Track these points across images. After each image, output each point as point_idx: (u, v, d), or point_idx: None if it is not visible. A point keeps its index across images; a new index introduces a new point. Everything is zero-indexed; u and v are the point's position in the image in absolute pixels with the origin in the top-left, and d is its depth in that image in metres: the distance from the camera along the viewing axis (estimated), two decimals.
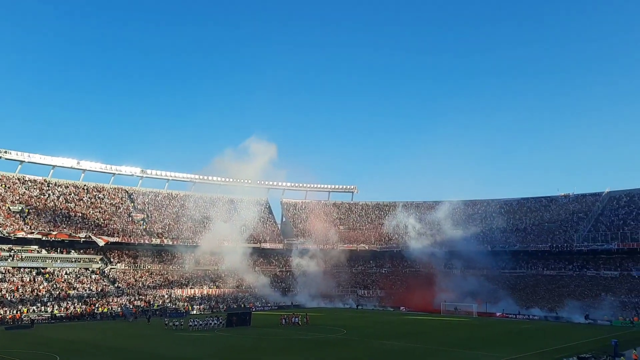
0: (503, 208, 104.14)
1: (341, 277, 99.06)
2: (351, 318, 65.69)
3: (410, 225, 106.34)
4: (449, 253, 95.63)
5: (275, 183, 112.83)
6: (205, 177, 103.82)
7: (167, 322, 53.37)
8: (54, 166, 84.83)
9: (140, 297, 72.02)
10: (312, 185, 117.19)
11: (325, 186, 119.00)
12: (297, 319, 56.64)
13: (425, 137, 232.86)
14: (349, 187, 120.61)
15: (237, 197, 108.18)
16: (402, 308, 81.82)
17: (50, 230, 72.53)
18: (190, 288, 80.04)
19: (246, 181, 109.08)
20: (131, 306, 67.57)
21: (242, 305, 73.96)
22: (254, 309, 70.60)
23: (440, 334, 50.70)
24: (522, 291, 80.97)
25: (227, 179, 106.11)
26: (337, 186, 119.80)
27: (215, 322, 53.80)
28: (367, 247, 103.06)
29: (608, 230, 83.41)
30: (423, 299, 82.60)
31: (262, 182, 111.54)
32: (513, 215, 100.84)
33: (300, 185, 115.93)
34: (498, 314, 72.75)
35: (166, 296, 74.82)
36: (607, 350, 35.52)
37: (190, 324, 52.14)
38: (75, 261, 74.78)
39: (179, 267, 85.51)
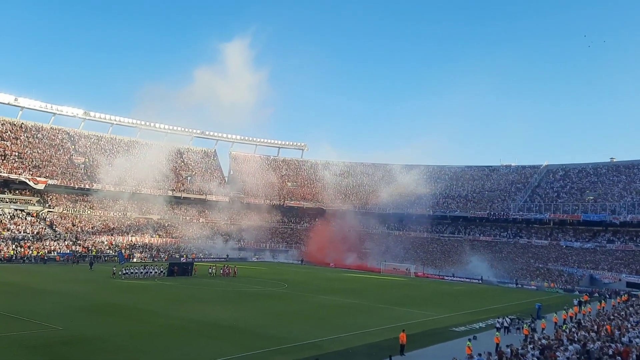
0: (447, 174, 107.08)
1: (286, 232, 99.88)
2: (293, 273, 66.61)
3: (358, 185, 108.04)
4: (392, 215, 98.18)
5: (224, 135, 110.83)
6: (152, 124, 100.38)
7: (114, 270, 49.93)
8: None
9: (79, 242, 69.96)
10: (262, 140, 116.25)
11: (276, 142, 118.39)
12: (211, 269, 56.72)
13: (386, 100, 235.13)
14: (299, 143, 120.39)
15: (184, 147, 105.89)
16: (343, 266, 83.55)
17: None
18: (132, 236, 78.41)
19: (194, 131, 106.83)
20: (69, 251, 65.58)
21: (185, 256, 73.28)
22: (196, 260, 70.16)
23: (379, 292, 52.26)
24: (459, 255, 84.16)
25: (175, 127, 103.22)
26: (287, 142, 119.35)
27: (156, 271, 53.08)
28: (313, 205, 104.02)
29: (542, 201, 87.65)
30: (365, 257, 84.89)
31: (211, 133, 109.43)
32: (456, 182, 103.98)
33: (250, 139, 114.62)
34: (434, 275, 75.62)
35: (105, 242, 73.02)
36: (531, 313, 37.67)
37: (133, 271, 51.08)
38: (10, 202, 71.51)
39: (120, 214, 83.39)
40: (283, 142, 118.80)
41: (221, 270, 57.18)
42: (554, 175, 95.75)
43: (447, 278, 73.86)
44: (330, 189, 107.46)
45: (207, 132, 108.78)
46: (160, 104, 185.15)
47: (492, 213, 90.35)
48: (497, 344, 25.68)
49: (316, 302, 41.62)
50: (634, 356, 19.52)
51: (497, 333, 28.37)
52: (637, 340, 23.05)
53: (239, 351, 23.02)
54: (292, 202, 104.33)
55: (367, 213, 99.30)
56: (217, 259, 76.18)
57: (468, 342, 24.48)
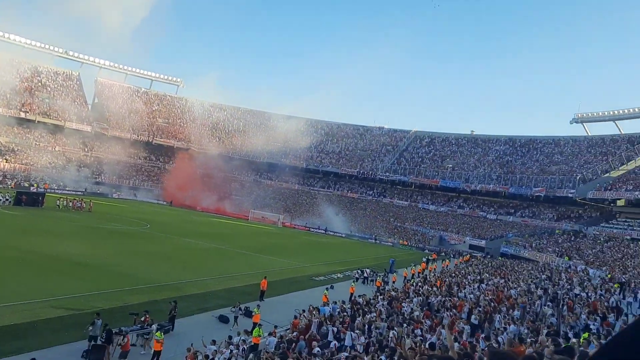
0: (323, 129, 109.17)
1: (153, 171, 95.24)
2: (158, 213, 64.11)
3: (233, 130, 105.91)
4: (265, 163, 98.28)
5: (90, 58, 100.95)
6: (6, 35, 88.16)
7: None
8: None
9: None
10: (133, 69, 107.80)
11: (148, 73, 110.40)
12: (59, 201, 53.05)
13: (280, 52, 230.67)
14: (174, 79, 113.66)
15: (43, 66, 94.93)
16: (211, 210, 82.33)
17: None
18: None
19: (57, 49, 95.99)
20: None
21: (36, 185, 66.76)
22: (49, 190, 64.21)
23: (245, 239, 52.28)
24: (327, 208, 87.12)
25: (34, 42, 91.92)
26: (161, 75, 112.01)
27: (0, 198, 47.80)
28: (184, 145, 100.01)
29: (408, 164, 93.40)
30: (234, 204, 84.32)
31: (76, 55, 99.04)
32: (331, 138, 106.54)
33: (120, 66, 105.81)
34: (302, 227, 77.64)
35: None
36: (385, 267, 40.34)
37: None
38: None
39: None
40: (157, 75, 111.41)
41: (71, 203, 53.07)
42: (421, 142, 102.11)
43: (313, 230, 76.22)
44: (204, 131, 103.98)
45: (70, 53, 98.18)
46: (20, 11, 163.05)
47: (361, 172, 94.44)
48: (352, 294, 27.05)
49: (179, 244, 40.46)
50: (466, 309, 21.69)
51: (353, 283, 29.90)
52: (470, 296, 25.65)
53: (92, 289, 21.63)
54: (162, 139, 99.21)
55: (240, 159, 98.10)
56: (74, 192, 70.54)
57: (325, 291, 25.50)
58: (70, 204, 53.10)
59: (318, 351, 13.85)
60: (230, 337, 16.29)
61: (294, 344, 14.91)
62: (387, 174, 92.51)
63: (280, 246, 50.63)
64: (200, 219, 68.14)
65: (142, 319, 16.95)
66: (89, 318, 15.87)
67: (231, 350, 14.64)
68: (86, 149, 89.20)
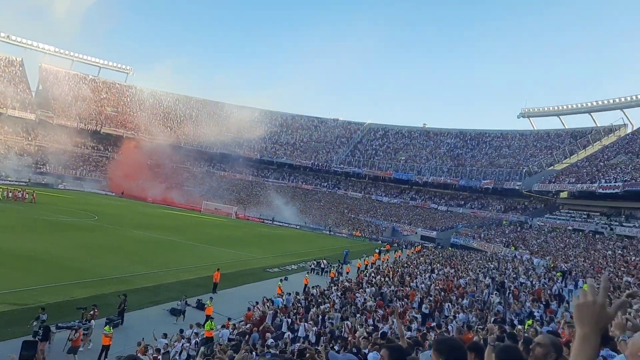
0: (278, 120, 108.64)
1: (101, 161, 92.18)
2: (106, 205, 62.17)
3: (186, 119, 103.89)
4: (218, 154, 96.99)
5: (34, 44, 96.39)
6: None
7: None
8: None
9: None
10: (79, 56, 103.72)
11: (96, 60, 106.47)
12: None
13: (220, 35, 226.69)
14: (123, 66, 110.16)
15: None
16: (163, 202, 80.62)
17: None
18: None
19: None
20: None
21: None
22: None
23: (198, 231, 51.45)
24: (280, 200, 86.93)
25: None
26: (109, 63, 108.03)
27: None
28: (134, 135, 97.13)
29: (362, 157, 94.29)
30: (186, 195, 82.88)
31: (18, 40, 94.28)
32: (286, 129, 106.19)
33: (66, 52, 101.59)
34: (256, 218, 77.12)
35: None
36: (339, 258, 40.68)
37: None
38: None
39: None
40: (105, 62, 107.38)
41: (10, 194, 50.75)
42: (375, 134, 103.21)
43: (267, 222, 75.85)
44: (154, 120, 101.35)
45: (13, 38, 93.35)
46: None
47: (316, 163, 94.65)
48: (306, 285, 27.17)
49: (129, 236, 39.37)
50: (418, 298, 22.19)
51: (307, 275, 30.04)
52: (422, 285, 26.25)
53: (37, 283, 20.79)
54: (110, 128, 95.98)
55: (192, 149, 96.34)
56: (17, 182, 67.47)
57: (279, 283, 25.51)
58: (10, 194, 50.74)
59: (272, 342, 13.83)
60: (181, 331, 16.06)
61: (247, 336, 14.84)
62: (342, 165, 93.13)
63: (234, 238, 50.11)
64: (150, 210, 66.57)
65: (91, 312, 16.46)
66: (34, 313, 15.28)
67: (183, 344, 14.43)
68: (29, 138, 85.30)
